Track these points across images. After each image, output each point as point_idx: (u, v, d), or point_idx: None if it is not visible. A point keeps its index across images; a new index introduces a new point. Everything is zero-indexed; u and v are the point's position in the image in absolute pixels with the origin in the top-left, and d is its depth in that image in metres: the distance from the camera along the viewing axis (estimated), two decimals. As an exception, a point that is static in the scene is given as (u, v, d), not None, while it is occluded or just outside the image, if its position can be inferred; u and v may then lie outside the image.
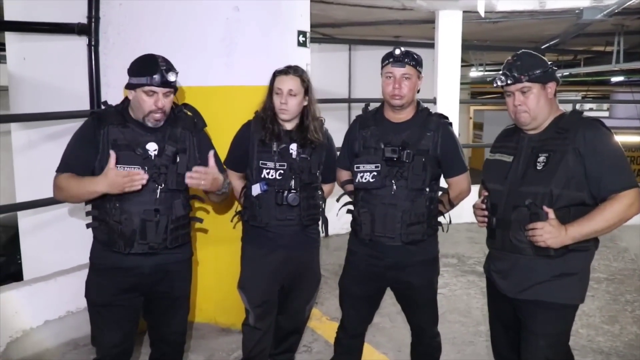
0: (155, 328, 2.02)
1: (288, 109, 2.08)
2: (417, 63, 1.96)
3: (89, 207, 1.92)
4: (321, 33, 6.63)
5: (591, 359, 2.67)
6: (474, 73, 9.82)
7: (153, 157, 1.84)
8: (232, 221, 2.30)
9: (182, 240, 1.94)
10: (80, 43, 2.92)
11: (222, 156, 2.15)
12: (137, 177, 1.75)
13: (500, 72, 1.74)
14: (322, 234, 2.30)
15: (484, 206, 1.81)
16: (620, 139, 1.69)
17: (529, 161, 1.72)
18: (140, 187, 1.77)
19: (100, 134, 1.82)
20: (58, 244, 3.17)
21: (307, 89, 2.12)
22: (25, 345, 2.56)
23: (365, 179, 1.96)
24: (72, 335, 2.71)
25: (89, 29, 2.86)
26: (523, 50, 1.77)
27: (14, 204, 3.09)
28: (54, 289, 2.72)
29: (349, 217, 2.10)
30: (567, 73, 9.32)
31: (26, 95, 3.27)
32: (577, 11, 5.05)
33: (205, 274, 2.78)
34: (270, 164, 2.09)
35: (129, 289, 1.88)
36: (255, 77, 2.48)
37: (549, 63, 1.73)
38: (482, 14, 4.88)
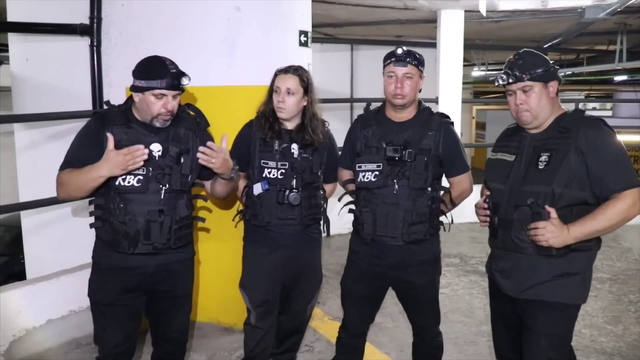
0: (158, 327, 2.02)
1: (285, 108, 2.08)
2: (419, 62, 1.96)
3: (92, 207, 1.92)
4: (323, 33, 6.63)
5: (594, 359, 2.66)
6: (476, 72, 9.81)
7: (157, 158, 1.84)
8: (233, 220, 2.30)
9: (185, 240, 1.94)
10: (82, 43, 2.93)
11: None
12: (138, 152, 1.73)
13: (502, 71, 1.74)
14: (323, 234, 2.30)
15: (486, 205, 1.80)
16: (623, 138, 1.69)
17: (530, 160, 1.71)
18: (142, 162, 1.75)
19: (104, 134, 1.81)
20: (61, 244, 3.19)
21: (306, 88, 2.11)
22: (28, 344, 2.57)
23: (367, 178, 1.96)
24: (74, 334, 2.72)
25: (91, 30, 2.88)
26: (525, 49, 1.77)
27: (17, 203, 3.10)
28: (57, 288, 2.73)
29: (351, 216, 2.10)
30: (570, 72, 9.30)
31: (29, 96, 3.28)
32: (579, 10, 5.03)
33: (207, 273, 2.79)
34: (272, 163, 2.09)
35: (132, 289, 1.89)
36: (257, 77, 2.48)
37: (551, 62, 1.72)
38: (484, 13, 4.87)
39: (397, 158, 1.92)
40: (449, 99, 5.18)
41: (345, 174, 2.18)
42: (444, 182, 2.06)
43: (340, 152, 2.24)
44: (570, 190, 1.63)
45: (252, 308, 2.20)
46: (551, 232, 1.62)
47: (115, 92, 2.79)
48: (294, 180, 2.10)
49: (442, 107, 5.06)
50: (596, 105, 16.99)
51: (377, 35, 6.84)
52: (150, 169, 1.81)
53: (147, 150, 1.76)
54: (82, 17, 2.88)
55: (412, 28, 6.18)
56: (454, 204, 2.08)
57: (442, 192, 2.02)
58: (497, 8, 5.02)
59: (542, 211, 1.64)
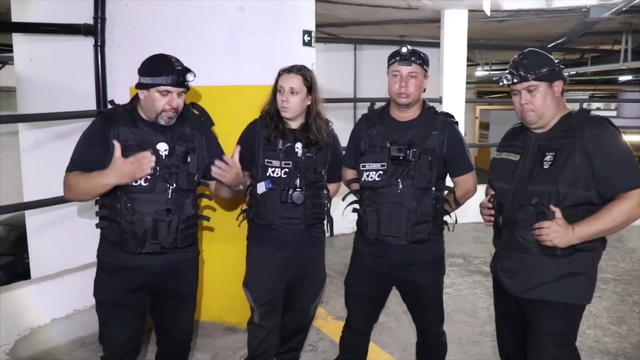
0: (162, 326, 2.02)
1: (289, 107, 2.08)
2: (423, 62, 1.96)
3: (97, 207, 1.91)
4: (326, 33, 6.63)
5: (598, 359, 2.66)
6: (480, 72, 9.79)
7: (164, 157, 1.84)
8: (237, 219, 2.31)
9: (191, 239, 1.94)
10: (86, 43, 2.94)
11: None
12: (145, 160, 1.74)
13: (507, 70, 1.73)
14: (327, 233, 2.30)
15: (490, 205, 1.80)
16: (628, 138, 1.68)
17: (535, 160, 1.71)
18: (150, 170, 1.76)
19: (110, 133, 1.81)
20: (65, 243, 3.20)
21: (310, 87, 2.11)
22: (33, 343, 2.58)
23: (371, 177, 1.96)
24: (79, 333, 2.73)
25: (95, 30, 2.88)
26: (529, 48, 1.76)
27: (22, 203, 3.11)
28: (62, 287, 2.74)
29: (355, 216, 2.10)
30: (574, 72, 9.27)
31: (33, 96, 3.29)
32: (584, 9, 5.01)
33: (211, 272, 2.79)
34: (276, 162, 2.09)
35: (138, 288, 1.88)
36: (261, 76, 2.48)
37: (556, 62, 1.72)
38: (488, 13, 4.86)
39: (401, 157, 1.92)
40: (453, 99, 5.17)
41: (349, 174, 2.18)
42: (448, 182, 2.06)
43: (344, 152, 2.24)
44: (575, 190, 1.63)
45: (255, 307, 2.21)
46: (556, 232, 1.61)
47: (119, 92, 2.79)
48: (298, 179, 2.10)
49: (445, 107, 5.05)
50: (600, 105, 16.93)
51: (380, 35, 6.84)
52: (158, 168, 1.81)
53: (154, 158, 1.76)
54: (86, 17, 2.89)
55: (415, 28, 6.18)
56: (458, 204, 2.07)
57: (446, 192, 2.02)
58: (501, 7, 5.01)
59: (547, 211, 1.63)
